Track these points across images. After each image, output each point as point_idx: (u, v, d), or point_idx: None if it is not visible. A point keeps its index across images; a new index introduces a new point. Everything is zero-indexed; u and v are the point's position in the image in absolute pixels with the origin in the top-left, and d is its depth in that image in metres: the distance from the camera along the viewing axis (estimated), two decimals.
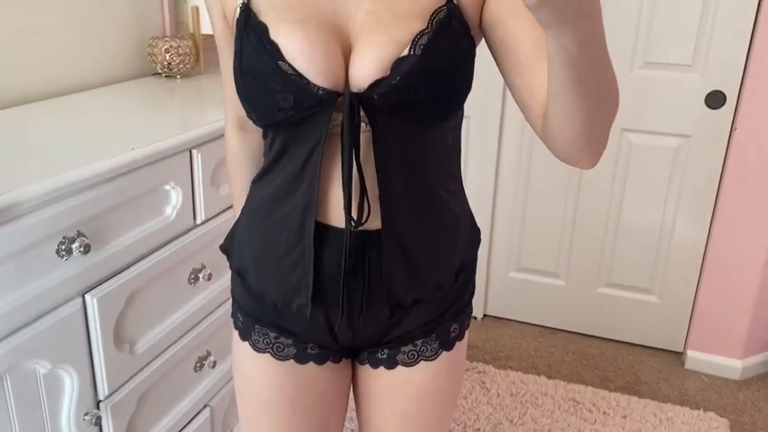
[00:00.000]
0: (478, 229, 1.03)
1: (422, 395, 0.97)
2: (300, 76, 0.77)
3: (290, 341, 0.95)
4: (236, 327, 1.01)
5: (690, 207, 2.41)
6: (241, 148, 1.03)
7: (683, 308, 2.52)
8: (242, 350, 0.99)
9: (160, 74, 1.97)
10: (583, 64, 0.59)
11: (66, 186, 1.11)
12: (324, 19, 0.79)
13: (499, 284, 2.76)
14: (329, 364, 0.98)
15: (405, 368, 0.96)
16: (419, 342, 0.95)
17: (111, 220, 1.24)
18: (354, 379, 1.04)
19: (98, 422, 1.26)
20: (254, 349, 0.97)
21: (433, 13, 0.77)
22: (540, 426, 2.12)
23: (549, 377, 2.39)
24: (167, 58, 1.91)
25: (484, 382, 2.33)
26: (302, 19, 0.79)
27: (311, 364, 0.96)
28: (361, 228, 0.83)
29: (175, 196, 1.41)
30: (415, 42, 0.76)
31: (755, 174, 2.24)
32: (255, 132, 1.01)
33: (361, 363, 1.00)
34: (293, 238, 0.87)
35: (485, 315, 2.80)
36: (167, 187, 1.38)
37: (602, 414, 2.19)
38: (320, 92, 0.77)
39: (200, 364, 1.56)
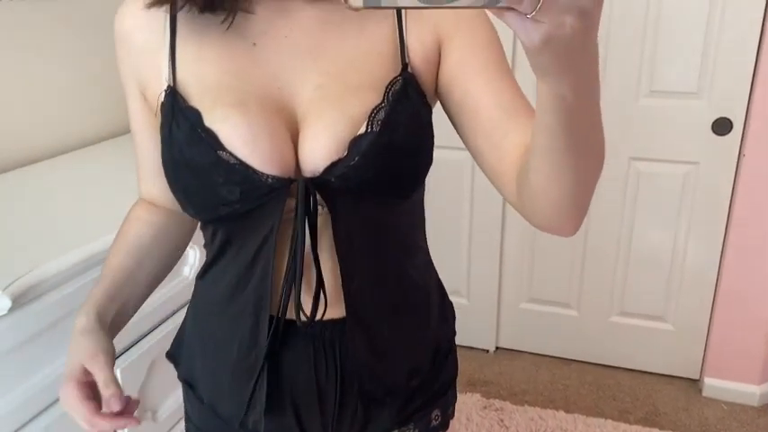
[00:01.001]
0: (451, 302, 0.94)
1: None
2: (245, 165, 0.68)
3: None
4: None
5: (701, 233, 2.40)
6: (149, 215, 0.86)
7: (698, 334, 2.50)
8: None
9: None
10: (579, 113, 0.53)
11: (87, 260, 1.08)
12: (266, 98, 0.71)
13: (510, 316, 2.74)
14: None
15: None
16: None
17: None
18: None
19: None
20: None
21: (388, 85, 0.71)
22: None
23: (568, 411, 2.36)
24: None
25: (502, 420, 2.29)
26: (241, 101, 0.70)
27: None
28: (325, 318, 0.75)
29: (193, 255, 1.38)
30: (371, 118, 0.69)
31: (766, 199, 2.24)
32: (173, 216, 0.86)
33: None
34: (246, 341, 0.77)
35: (497, 347, 2.77)
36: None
37: None
38: (269, 180, 0.69)
39: None
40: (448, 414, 0.91)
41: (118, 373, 1.17)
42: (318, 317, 0.74)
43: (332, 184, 0.70)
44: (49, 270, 1.01)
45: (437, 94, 0.76)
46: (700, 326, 2.49)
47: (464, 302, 2.71)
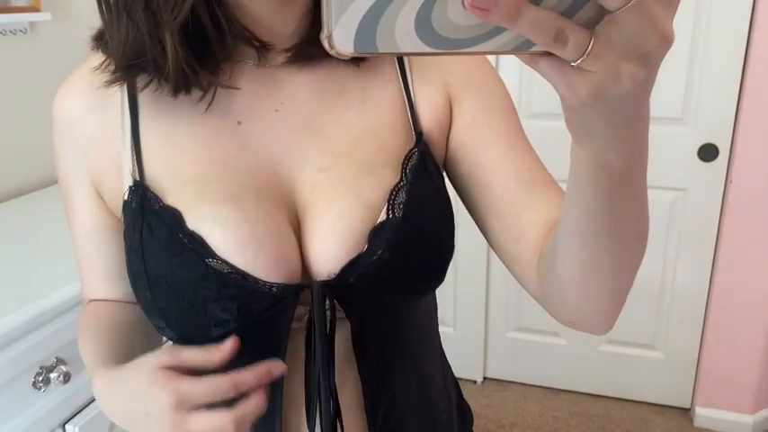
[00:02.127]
0: (467, 403, 0.84)
1: None
2: (242, 274, 0.56)
3: None
4: None
5: (689, 260, 2.36)
6: (109, 309, 0.69)
7: (689, 363, 2.46)
8: None
9: None
10: (626, 187, 0.41)
11: (43, 314, 1.03)
12: (263, 188, 0.59)
13: (498, 345, 2.69)
14: None
15: None
16: None
17: None
18: None
19: None
20: None
21: (404, 160, 0.61)
22: None
23: None
24: None
25: None
26: (232, 194, 0.58)
27: None
28: None
29: None
30: (391, 201, 0.58)
31: (753, 225, 2.21)
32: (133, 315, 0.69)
33: None
34: None
35: (485, 378, 2.72)
36: None
37: None
38: (274, 289, 0.57)
39: None
40: None
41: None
42: None
43: (351, 285, 0.58)
44: (3, 326, 0.96)
45: (445, 166, 0.66)
46: (690, 354, 2.45)
47: (450, 332, 2.66)
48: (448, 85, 0.63)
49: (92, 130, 0.62)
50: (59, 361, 1.07)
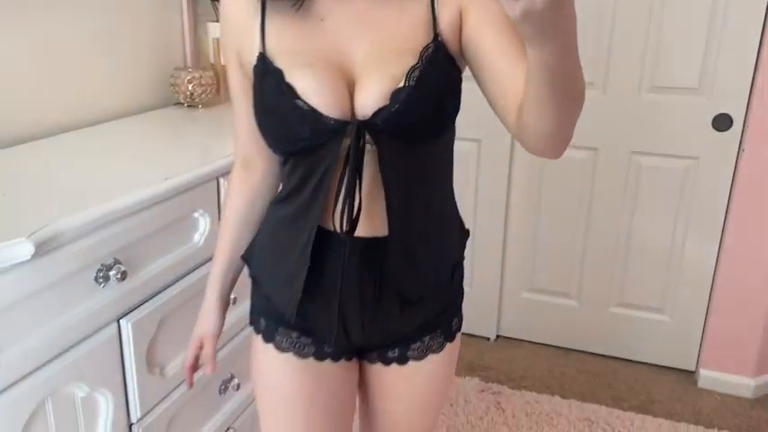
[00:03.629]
0: (467, 231, 1.14)
1: (428, 381, 1.11)
2: (315, 110, 0.89)
3: (309, 340, 1.05)
4: (258, 331, 1.09)
5: (700, 227, 2.44)
6: (242, 188, 1.11)
7: (695, 327, 2.55)
8: (265, 352, 1.08)
9: (182, 104, 2.03)
10: (559, 72, 0.69)
11: (106, 216, 1.16)
12: (329, 61, 0.92)
13: (512, 305, 2.80)
14: (342, 361, 1.08)
15: (415, 362, 1.08)
16: (426, 338, 1.07)
17: (145, 247, 1.29)
18: (364, 376, 1.14)
19: None
20: (278, 349, 1.06)
21: (422, 50, 0.90)
22: None
23: (564, 397, 2.41)
24: (190, 88, 1.97)
25: (499, 403, 2.35)
26: (311, 62, 0.91)
27: (328, 361, 1.06)
28: (370, 236, 0.95)
29: (203, 223, 1.46)
30: (408, 75, 0.89)
31: (764, 194, 2.28)
32: (258, 172, 1.10)
33: (372, 362, 1.11)
34: (301, 250, 0.97)
35: (498, 336, 2.83)
36: (196, 215, 1.43)
37: None
38: (332, 122, 0.89)
39: (224, 387, 1.60)
40: (461, 318, 1.13)
41: (129, 327, 1.25)
42: (365, 233, 0.94)
43: (378, 126, 0.89)
44: (71, 222, 1.08)
45: (462, 55, 0.93)
46: (696, 318, 2.54)
47: (467, 290, 2.74)
48: (459, 3, 0.92)
49: (241, 23, 0.97)
50: (117, 261, 1.20)
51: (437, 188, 1.02)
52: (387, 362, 1.09)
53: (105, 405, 1.24)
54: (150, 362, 1.33)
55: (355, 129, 0.89)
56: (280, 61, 0.92)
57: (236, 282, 1.16)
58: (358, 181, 0.91)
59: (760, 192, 2.29)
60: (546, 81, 0.70)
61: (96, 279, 1.18)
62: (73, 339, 1.15)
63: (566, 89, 0.73)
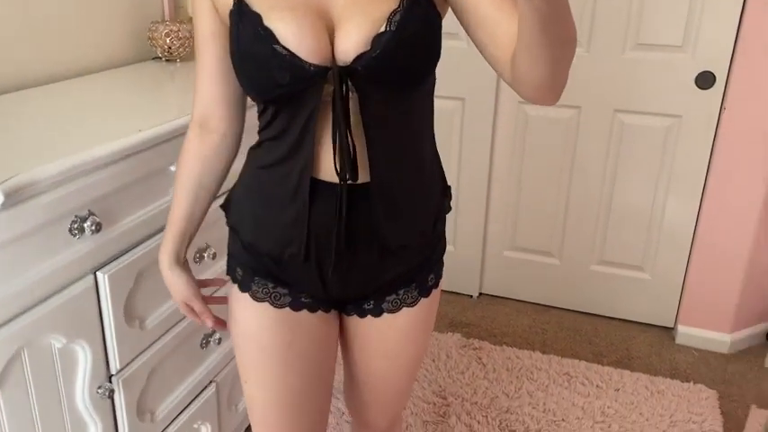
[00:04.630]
0: (449, 187, 1.13)
1: (402, 336, 1.12)
2: (294, 55, 0.87)
3: (285, 291, 1.06)
4: (235, 280, 1.10)
5: (680, 186, 2.46)
6: (200, 149, 1.08)
7: (674, 284, 2.59)
8: (242, 301, 1.08)
9: (160, 58, 2.00)
10: (551, 19, 0.69)
11: (79, 166, 1.14)
12: (309, 5, 0.90)
13: (494, 263, 2.82)
14: (320, 312, 1.09)
15: (389, 315, 1.10)
16: (401, 291, 1.09)
17: (120, 200, 1.28)
18: (342, 329, 1.16)
19: (111, 395, 1.31)
20: (254, 299, 1.06)
21: None
22: (535, 399, 2.19)
23: (544, 352, 2.45)
24: (167, 42, 1.94)
25: (480, 358, 2.39)
26: (291, 6, 0.89)
27: (305, 312, 1.07)
28: (351, 182, 0.95)
29: None
30: (390, 20, 0.87)
31: (744, 153, 2.30)
32: (217, 133, 1.07)
33: (348, 314, 1.13)
34: (290, 195, 0.98)
35: (480, 293, 2.86)
36: (172, 168, 1.42)
37: (595, 387, 2.25)
38: (312, 68, 0.88)
39: (205, 341, 1.61)
40: (439, 276, 1.14)
41: (106, 279, 1.25)
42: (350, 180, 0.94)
43: (359, 72, 0.88)
44: (42, 173, 1.07)
45: (447, 2, 0.92)
46: (676, 276, 2.57)
47: (450, 249, 2.79)
48: None
49: None
50: (91, 213, 1.19)
51: (418, 136, 1.01)
52: (362, 314, 1.11)
53: (83, 356, 1.25)
54: (130, 315, 1.34)
55: (336, 74, 0.88)
56: (257, 5, 0.90)
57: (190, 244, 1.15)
58: (345, 124, 0.91)
59: (741, 151, 2.30)
60: (538, 27, 0.71)
61: (71, 230, 1.17)
62: (48, 290, 1.14)
63: (558, 34, 0.73)
